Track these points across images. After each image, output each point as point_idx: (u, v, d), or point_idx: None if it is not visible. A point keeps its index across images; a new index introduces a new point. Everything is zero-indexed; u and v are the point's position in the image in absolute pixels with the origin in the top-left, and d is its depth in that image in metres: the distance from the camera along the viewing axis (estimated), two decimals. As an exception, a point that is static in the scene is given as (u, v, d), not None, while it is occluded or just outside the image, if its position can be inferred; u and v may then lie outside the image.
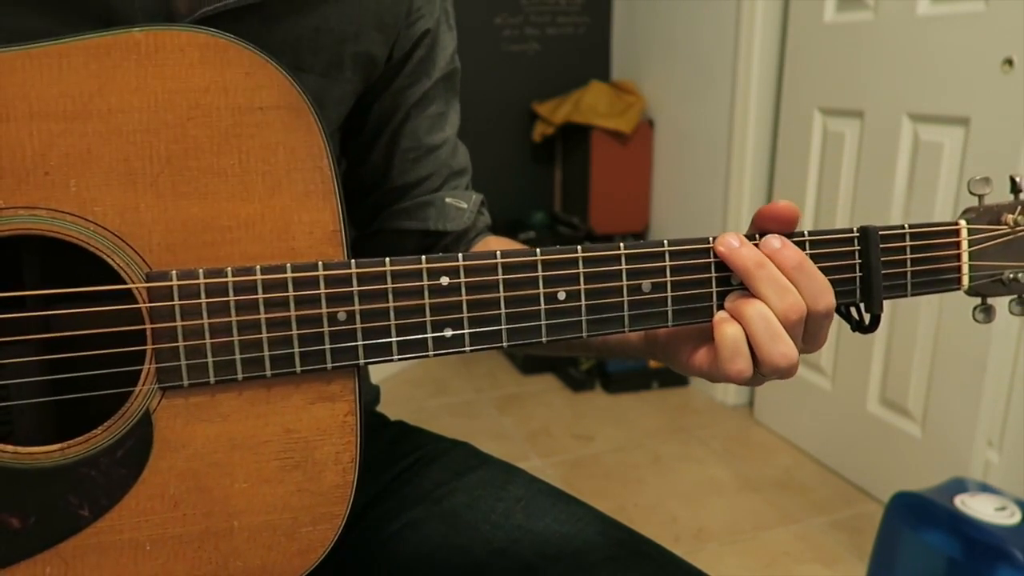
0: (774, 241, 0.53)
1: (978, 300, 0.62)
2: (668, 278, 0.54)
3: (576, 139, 3.04)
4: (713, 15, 2.51)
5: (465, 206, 0.77)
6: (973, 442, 1.75)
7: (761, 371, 0.53)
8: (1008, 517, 1.34)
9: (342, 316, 0.50)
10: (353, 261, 0.50)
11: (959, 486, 1.46)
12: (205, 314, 0.48)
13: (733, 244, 0.53)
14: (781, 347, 0.52)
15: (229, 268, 0.49)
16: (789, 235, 0.55)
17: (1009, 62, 1.59)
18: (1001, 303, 0.62)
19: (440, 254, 0.51)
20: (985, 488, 1.46)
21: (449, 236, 0.77)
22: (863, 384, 2.06)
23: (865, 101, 1.97)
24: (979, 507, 1.37)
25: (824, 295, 0.53)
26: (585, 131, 2.93)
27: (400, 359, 0.51)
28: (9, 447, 0.48)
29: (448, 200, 0.77)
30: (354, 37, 0.67)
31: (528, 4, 3.11)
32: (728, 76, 2.45)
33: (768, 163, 2.42)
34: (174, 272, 0.48)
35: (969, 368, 1.75)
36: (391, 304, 0.51)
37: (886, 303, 0.57)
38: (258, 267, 0.49)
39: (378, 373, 0.94)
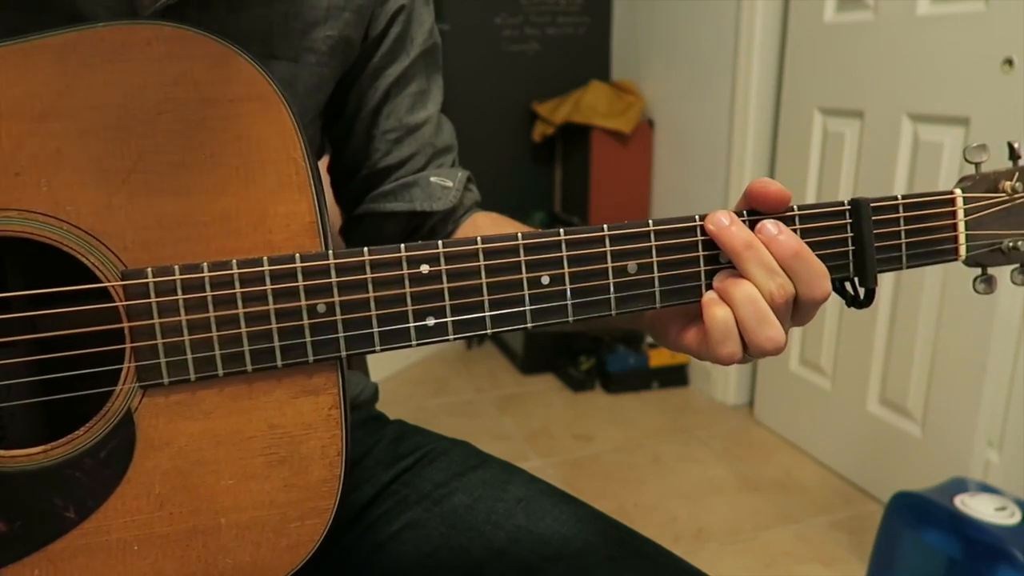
0: (771, 227, 0.52)
1: (978, 271, 0.60)
2: (654, 258, 0.53)
3: (576, 139, 3.03)
4: (713, 15, 2.50)
5: (451, 184, 0.76)
6: (973, 442, 1.75)
7: (749, 352, 0.52)
8: (1008, 517, 1.34)
9: (322, 308, 0.49)
10: (331, 252, 0.49)
11: (959, 486, 1.45)
12: (182, 311, 0.48)
13: (723, 222, 0.52)
14: (768, 331, 0.51)
15: (205, 263, 0.48)
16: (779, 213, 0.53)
17: (1009, 62, 1.59)
18: (1003, 274, 0.60)
19: (420, 242, 0.50)
20: (985, 488, 1.45)
21: (436, 216, 0.76)
22: (863, 384, 2.05)
23: (865, 101, 1.97)
24: (979, 507, 1.36)
25: (821, 282, 0.52)
26: (585, 131, 2.93)
27: (383, 350, 0.51)
28: (-8, 451, 0.47)
29: (433, 179, 0.76)
30: (325, 21, 0.66)
31: (528, 4, 3.11)
32: (728, 76, 2.44)
33: (768, 163, 2.41)
34: (149, 269, 0.48)
35: (969, 368, 1.74)
36: (371, 294, 0.50)
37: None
38: (234, 261, 0.48)
39: (377, 372, 0.93)
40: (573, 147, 3.09)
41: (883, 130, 1.92)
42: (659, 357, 2.73)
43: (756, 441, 2.39)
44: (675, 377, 2.76)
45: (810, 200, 2.17)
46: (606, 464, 2.26)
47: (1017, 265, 0.59)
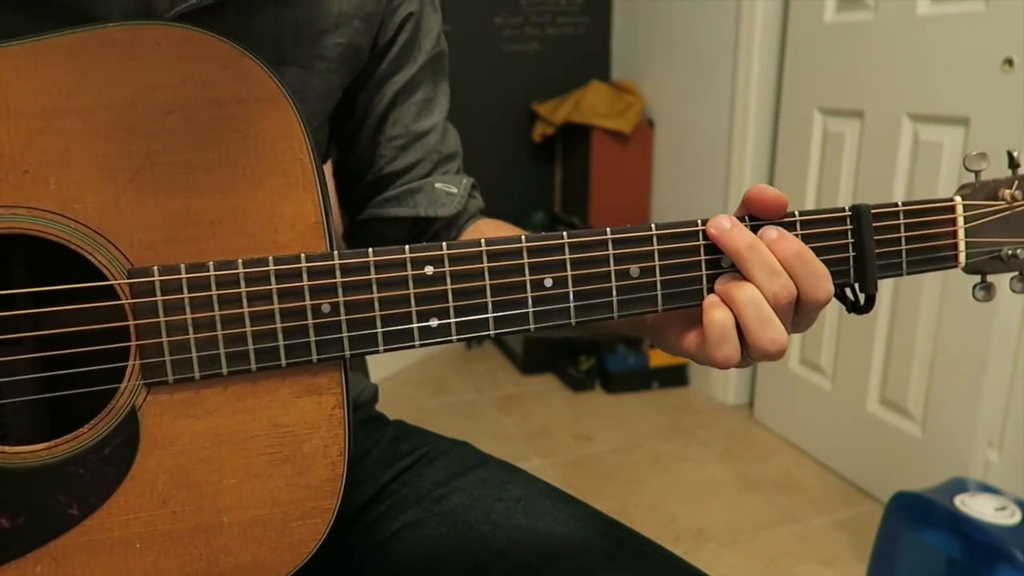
0: (771, 232, 0.53)
1: (977, 278, 0.61)
2: (657, 262, 0.53)
3: (576, 139, 3.03)
4: (713, 15, 2.51)
5: (455, 191, 0.77)
6: (973, 442, 1.75)
7: (749, 355, 0.53)
8: (1008, 517, 1.34)
9: (326, 308, 0.50)
10: (336, 252, 0.50)
11: (959, 486, 1.45)
12: (188, 309, 0.48)
13: (724, 226, 0.52)
14: (771, 333, 0.51)
15: (211, 263, 0.48)
16: (780, 217, 0.54)
17: (1009, 62, 1.59)
18: (1002, 281, 0.60)
19: (424, 243, 0.51)
20: (985, 488, 1.45)
21: (440, 222, 0.76)
22: (863, 384, 2.05)
23: (865, 101, 1.97)
24: (979, 507, 1.36)
25: (823, 283, 0.53)
26: (585, 131, 2.93)
27: (386, 350, 0.51)
28: (-4, 447, 0.48)
29: (438, 185, 0.76)
30: (335, 28, 0.67)
31: (528, 4, 3.11)
32: (728, 76, 2.44)
33: (768, 163, 2.41)
34: (156, 268, 0.48)
35: (969, 368, 1.74)
36: (375, 295, 0.50)
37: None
38: (240, 261, 0.49)
39: (377, 373, 0.94)
40: (573, 147, 3.09)
41: (883, 130, 1.92)
42: (659, 357, 2.73)
43: (756, 441, 2.39)
44: (675, 377, 2.77)
45: (810, 201, 2.18)
46: (606, 464, 2.27)
47: (1016, 273, 0.60)
